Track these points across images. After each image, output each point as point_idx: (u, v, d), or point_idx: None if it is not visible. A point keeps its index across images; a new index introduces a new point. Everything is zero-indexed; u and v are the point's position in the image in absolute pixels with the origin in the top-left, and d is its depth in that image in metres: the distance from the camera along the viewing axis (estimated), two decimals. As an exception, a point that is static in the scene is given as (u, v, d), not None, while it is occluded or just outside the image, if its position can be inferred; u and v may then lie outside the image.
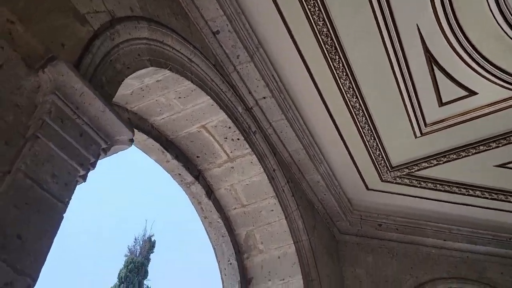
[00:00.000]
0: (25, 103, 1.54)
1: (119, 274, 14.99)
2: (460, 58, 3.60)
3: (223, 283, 3.76)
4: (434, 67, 3.68)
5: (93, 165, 1.72)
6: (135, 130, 3.05)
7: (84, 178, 1.67)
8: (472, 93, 3.85)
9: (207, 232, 3.85)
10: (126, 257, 15.54)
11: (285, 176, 3.90)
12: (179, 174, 3.56)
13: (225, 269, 3.76)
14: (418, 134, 4.20)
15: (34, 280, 1.31)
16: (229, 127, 3.38)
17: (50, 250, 1.41)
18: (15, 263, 1.26)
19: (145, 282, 15.23)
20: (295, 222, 3.84)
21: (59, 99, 1.59)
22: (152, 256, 15.96)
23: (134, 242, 16.10)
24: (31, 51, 1.62)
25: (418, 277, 4.61)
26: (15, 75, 1.54)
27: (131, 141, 1.87)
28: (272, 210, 3.76)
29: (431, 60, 3.65)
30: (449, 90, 3.83)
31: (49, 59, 1.62)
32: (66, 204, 1.52)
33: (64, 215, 1.53)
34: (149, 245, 16.15)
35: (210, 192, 3.73)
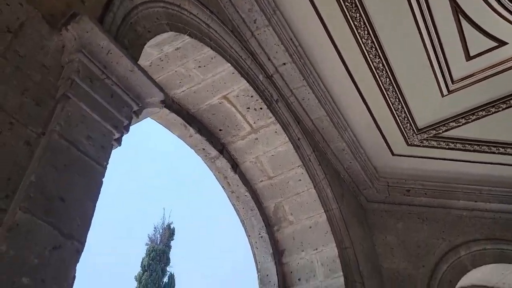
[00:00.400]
0: (51, 63, 1.44)
1: (142, 262, 15.22)
2: (488, 6, 3.40)
3: (255, 256, 3.70)
4: (461, 18, 3.49)
5: (127, 129, 1.62)
6: (156, 104, 2.95)
7: (118, 142, 1.58)
8: (502, 43, 3.65)
9: (234, 207, 3.78)
10: (147, 246, 15.74)
11: (310, 145, 3.79)
12: (203, 149, 3.47)
13: (256, 242, 3.69)
14: (445, 92, 4.02)
15: (82, 244, 1.23)
16: (251, 96, 3.26)
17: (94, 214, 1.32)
18: (61, 226, 1.18)
19: (168, 268, 15.47)
20: (324, 191, 3.73)
21: (85, 57, 1.49)
22: (172, 243, 16.18)
23: (154, 230, 16.29)
24: (51, 8, 1.51)
25: (451, 240, 4.50)
26: (38, 34, 1.43)
27: (163, 103, 1.77)
28: (300, 180, 3.66)
29: (457, 10, 3.45)
30: (477, 42, 3.64)
31: (72, 16, 1.51)
32: (104, 168, 1.43)
33: (103, 179, 1.44)
34: (168, 232, 16.31)
35: (235, 166, 3.63)
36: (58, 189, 1.21)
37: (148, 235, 16.15)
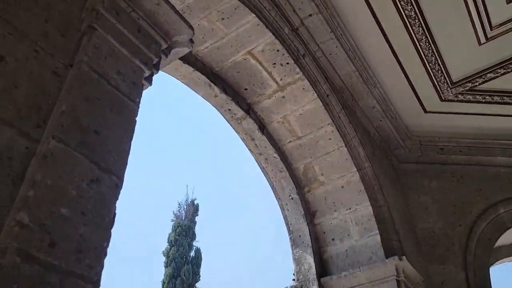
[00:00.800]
0: (73, -6, 1.33)
1: (169, 238, 15.58)
2: None
3: (286, 218, 3.63)
4: (503, -47, 3.19)
5: (156, 68, 1.51)
6: (181, 62, 2.84)
7: (149, 81, 1.48)
8: (548, -20, 3.33)
9: (263, 169, 3.69)
10: (173, 222, 16.06)
11: (339, 102, 3.62)
12: (229, 110, 3.36)
13: (286, 204, 3.61)
14: (482, 40, 3.74)
15: (121, 179, 1.14)
16: (277, 50, 3.10)
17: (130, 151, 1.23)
18: (98, 159, 1.10)
19: (194, 243, 15.80)
20: (355, 149, 3.59)
21: (109, -13, 1.36)
22: (197, 218, 16.46)
23: (178, 207, 16.58)
24: None
25: (488, 198, 4.31)
26: (57, -38, 1.31)
27: (191, 41, 1.64)
28: (330, 139, 3.52)
29: None
30: (520, -19, 3.33)
31: None
32: (137, 105, 1.33)
33: (136, 118, 1.34)
34: (193, 208, 16.57)
35: (262, 126, 3.52)
36: (91, 121, 1.13)
37: (173, 211, 16.46)
